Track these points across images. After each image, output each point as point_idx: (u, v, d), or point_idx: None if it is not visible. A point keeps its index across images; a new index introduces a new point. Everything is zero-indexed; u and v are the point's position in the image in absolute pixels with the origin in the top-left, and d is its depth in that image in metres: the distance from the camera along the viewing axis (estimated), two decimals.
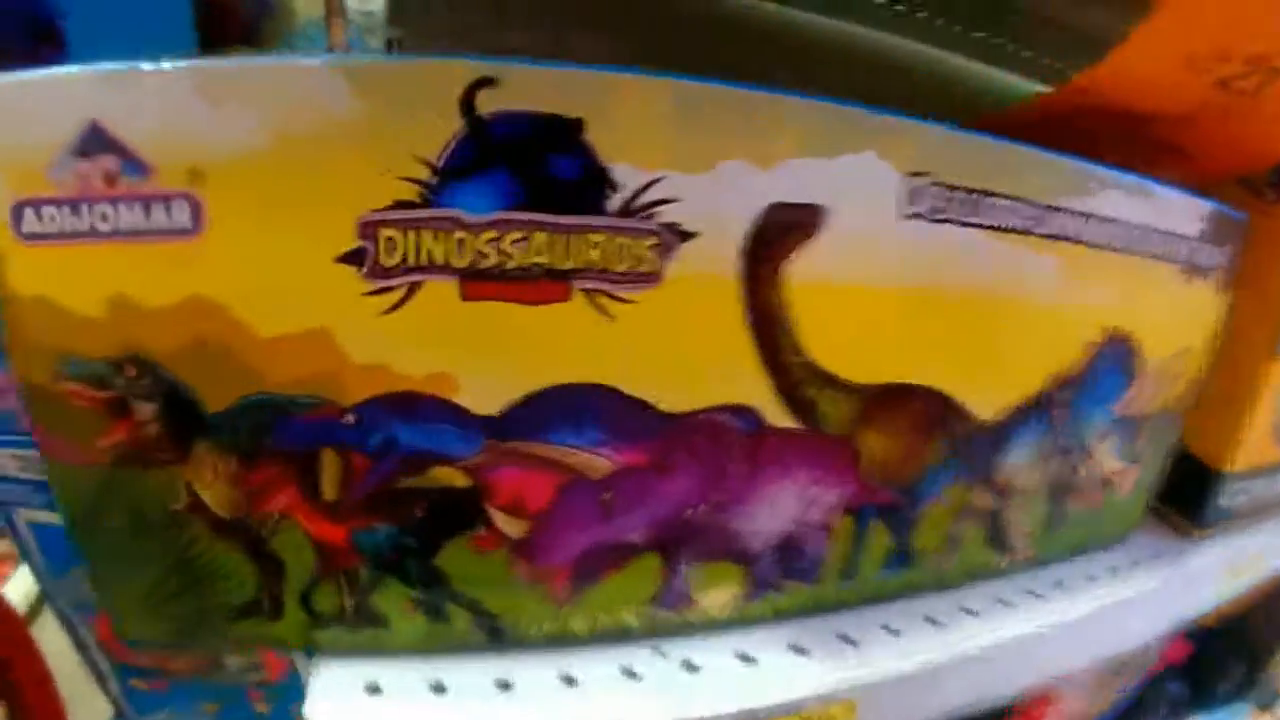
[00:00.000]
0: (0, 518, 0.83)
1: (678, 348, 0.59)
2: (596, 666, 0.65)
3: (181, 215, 0.51)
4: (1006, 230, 0.69)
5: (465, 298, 0.54)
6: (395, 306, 0.53)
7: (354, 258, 0.52)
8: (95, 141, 0.51)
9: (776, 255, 0.61)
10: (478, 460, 0.58)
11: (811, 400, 0.65)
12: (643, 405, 0.59)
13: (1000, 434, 0.78)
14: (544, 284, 0.56)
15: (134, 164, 0.52)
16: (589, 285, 0.56)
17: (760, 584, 0.71)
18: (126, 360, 0.53)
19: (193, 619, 0.63)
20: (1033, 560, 0.89)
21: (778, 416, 0.64)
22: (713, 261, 0.59)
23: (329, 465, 0.58)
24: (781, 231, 0.60)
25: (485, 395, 0.56)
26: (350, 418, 0.56)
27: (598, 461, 0.60)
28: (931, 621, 0.79)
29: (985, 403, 0.75)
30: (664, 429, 0.60)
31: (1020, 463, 0.81)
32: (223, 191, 0.51)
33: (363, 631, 0.64)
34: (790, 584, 0.72)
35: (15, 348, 0.55)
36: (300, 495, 0.58)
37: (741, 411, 0.62)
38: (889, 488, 0.72)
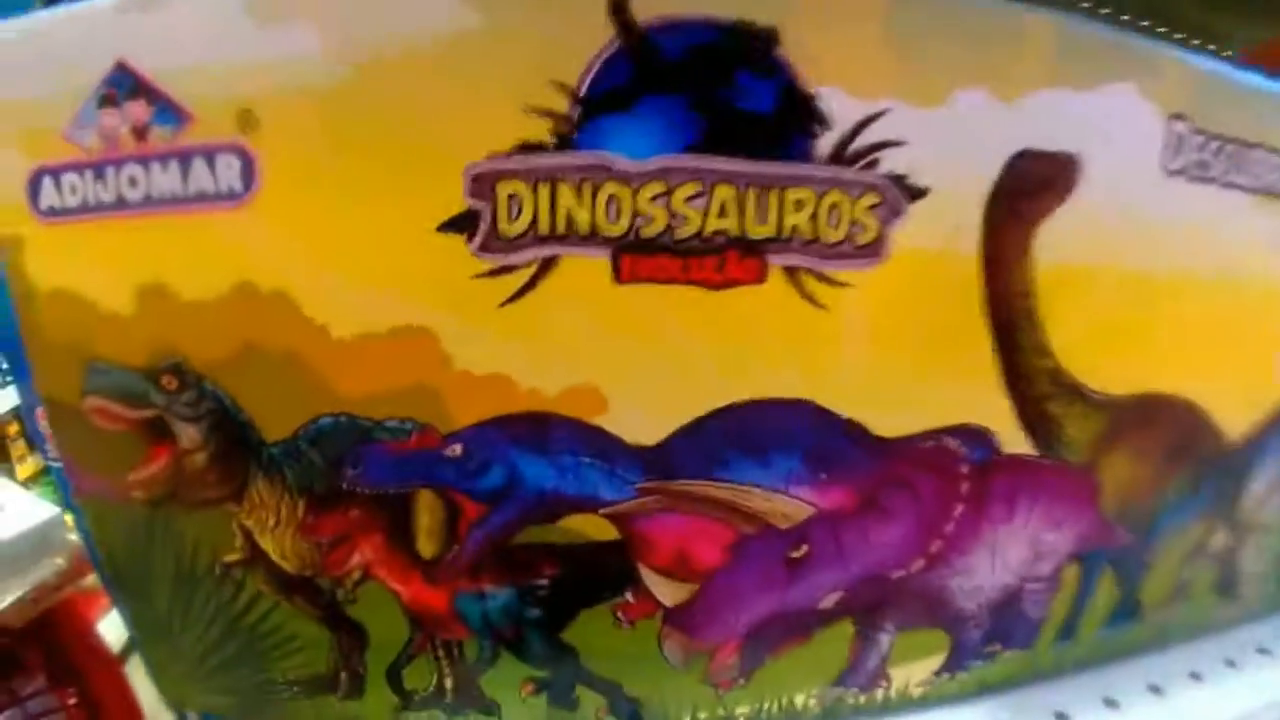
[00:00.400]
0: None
1: (902, 348, 0.42)
2: None
3: (228, 173, 0.36)
4: (1274, 195, 0.53)
5: (620, 279, 0.37)
6: (520, 293, 0.37)
7: (462, 225, 0.36)
8: (121, 84, 0.37)
9: (1027, 220, 0.44)
10: (630, 506, 0.41)
11: (1056, 419, 0.47)
12: (853, 428, 0.42)
13: (1247, 456, 0.59)
14: (730, 259, 0.38)
15: (168, 110, 0.37)
16: (792, 261, 0.38)
17: (966, 653, 0.54)
18: (164, 370, 0.40)
19: (253, 692, 0.49)
20: (1258, 611, 0.72)
21: (1014, 440, 0.46)
22: (948, 229, 0.41)
23: (426, 511, 0.42)
24: (1032, 189, 0.43)
25: (643, 418, 0.40)
26: (455, 448, 0.39)
27: (789, 506, 0.42)
28: (1156, 691, 0.63)
29: (1236, 417, 0.56)
30: (877, 460, 0.43)
31: (1263, 491, 0.64)
32: (280, 140, 0.36)
33: (465, 717, 0.49)
34: (1001, 651, 0.57)
35: (35, 354, 0.41)
36: (388, 549, 0.42)
37: (973, 436, 0.45)
38: (1127, 525, 0.56)
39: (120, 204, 0.37)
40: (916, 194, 0.39)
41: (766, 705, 0.51)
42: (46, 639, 0.56)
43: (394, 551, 0.42)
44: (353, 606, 0.44)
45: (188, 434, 0.40)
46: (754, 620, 0.46)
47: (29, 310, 0.39)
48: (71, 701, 0.56)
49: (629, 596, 0.44)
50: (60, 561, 0.51)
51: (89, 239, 0.38)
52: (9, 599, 0.48)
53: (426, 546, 0.42)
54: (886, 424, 0.42)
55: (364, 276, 0.36)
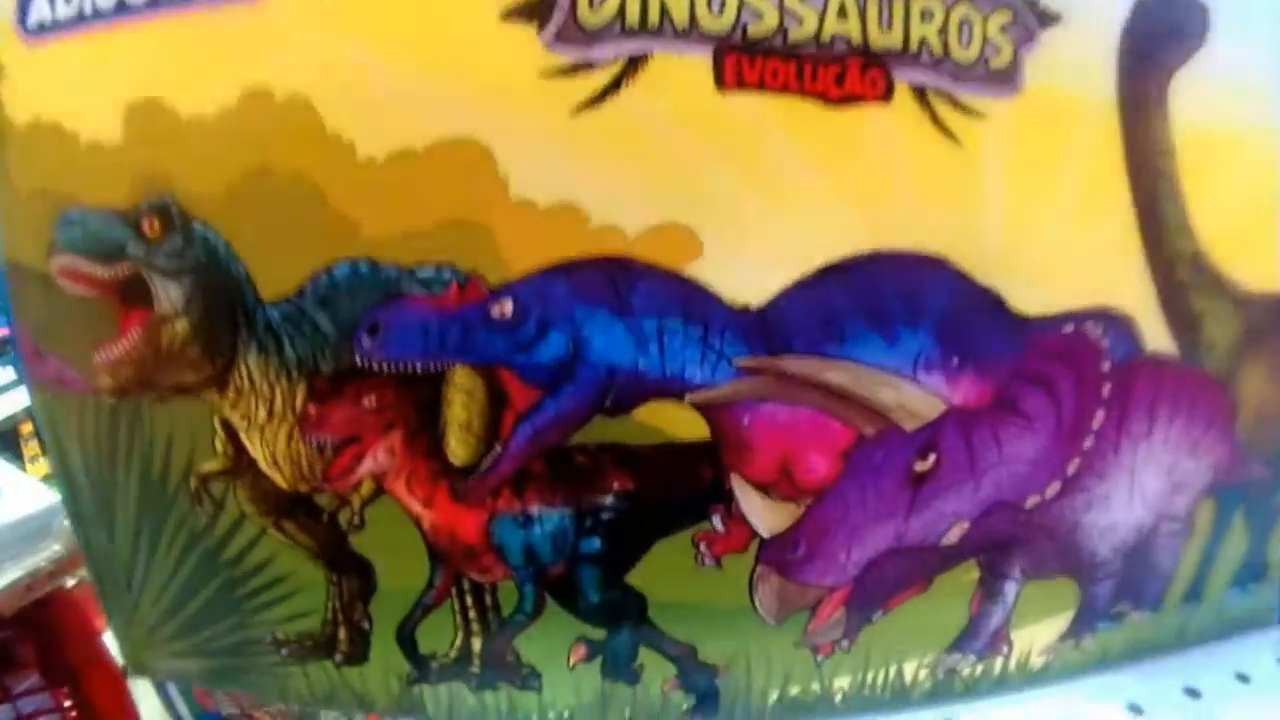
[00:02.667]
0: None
1: (1041, 204, 0.33)
2: None
3: None
4: None
5: (723, 85, 0.28)
6: (599, 98, 0.28)
7: (533, 10, 0.28)
8: None
9: (1160, 65, 0.37)
10: (727, 391, 0.31)
11: (1198, 314, 0.38)
12: (990, 300, 0.32)
13: None
14: (852, 69, 0.29)
15: None
16: (920, 79, 0.30)
17: (1095, 612, 0.43)
18: (148, 210, 0.30)
19: (230, 654, 0.37)
20: None
21: (1156, 335, 0.37)
22: (1083, 67, 0.33)
23: (461, 397, 0.31)
24: (1161, 32, 0.37)
25: (746, 268, 0.30)
26: (505, 305, 0.29)
27: (918, 398, 0.32)
28: None
29: None
30: (1015, 344, 0.33)
31: None
32: None
33: (496, 692, 0.37)
34: (1128, 612, 0.48)
35: (2, 208, 0.32)
36: (408, 451, 0.32)
37: (1116, 325, 0.35)
38: (1261, 457, 0.47)
39: (121, 8, 0.29)
40: (1048, 19, 0.32)
41: (870, 677, 0.40)
42: (43, 635, 0.51)
43: (416, 455, 0.31)
44: (359, 536, 0.33)
45: (167, 295, 0.30)
46: (867, 559, 0.35)
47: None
48: (66, 704, 0.52)
49: (717, 523, 0.34)
50: (58, 548, 0.46)
51: (78, 57, 0.30)
52: (1, 584, 0.43)
53: (459, 447, 0.31)
54: (1025, 298, 0.33)
55: (405, 76, 0.27)
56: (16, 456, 1.01)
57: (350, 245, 0.29)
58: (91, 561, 0.37)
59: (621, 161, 0.28)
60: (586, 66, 0.28)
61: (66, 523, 0.43)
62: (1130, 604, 0.44)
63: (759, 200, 0.30)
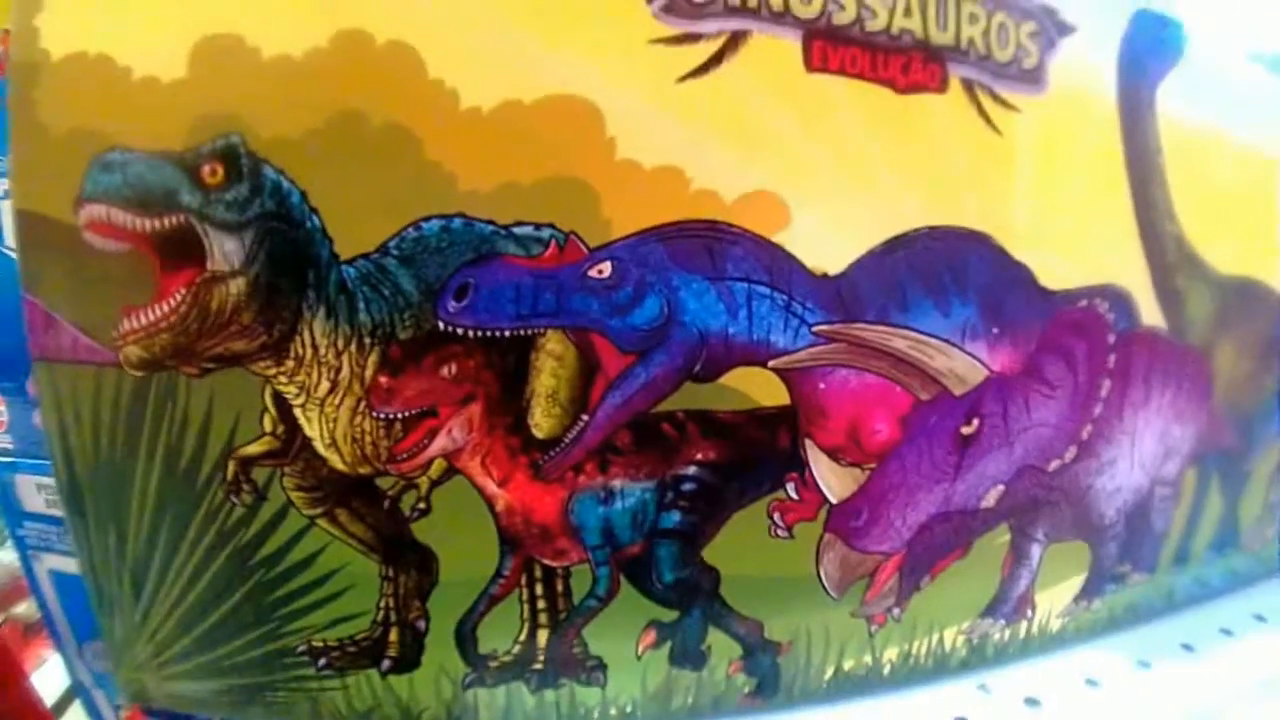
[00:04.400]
0: (21, 566, 0.50)
1: (1063, 189, 0.36)
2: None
3: None
4: None
5: (810, 66, 0.30)
6: (704, 68, 0.29)
7: None
8: None
9: (1149, 73, 0.43)
10: (804, 356, 0.31)
11: (1181, 292, 0.42)
12: (1023, 274, 0.35)
13: None
14: (916, 61, 0.32)
15: None
16: (969, 74, 0.33)
17: (1101, 574, 0.45)
18: (210, 154, 0.26)
19: (254, 671, 0.32)
20: None
21: (1150, 311, 0.41)
22: (1093, 72, 0.37)
23: (550, 364, 0.29)
24: (1148, 45, 0.41)
25: (827, 237, 0.31)
26: (604, 267, 0.28)
27: (965, 365, 0.34)
28: (1261, 620, 0.59)
29: None
30: (1042, 315, 0.36)
31: None
32: None
33: (558, 690, 0.34)
34: (1130, 573, 0.49)
35: (22, 151, 0.27)
36: (488, 426, 0.29)
37: (1118, 299, 0.39)
38: (1233, 426, 0.51)
39: None
40: (1066, 29, 0.36)
41: (916, 646, 0.40)
42: None
43: (496, 430, 0.29)
44: (422, 523, 0.30)
45: (223, 251, 0.27)
46: (920, 523, 0.36)
47: (28, 88, 0.26)
48: None
49: (792, 491, 0.34)
50: None
51: None
52: None
53: (544, 419, 0.29)
54: (1050, 272, 0.36)
55: (517, 28, 0.26)
56: None
57: (444, 199, 0.27)
58: (92, 567, 0.31)
59: (721, 129, 0.29)
60: (692, 38, 0.28)
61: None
62: (1131, 566, 0.48)
63: (839, 175, 0.31)
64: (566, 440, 0.30)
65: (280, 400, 0.29)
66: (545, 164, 0.28)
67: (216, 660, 0.33)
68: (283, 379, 0.28)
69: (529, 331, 0.29)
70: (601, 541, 0.32)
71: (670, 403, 0.31)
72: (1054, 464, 0.40)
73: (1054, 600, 0.44)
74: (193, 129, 0.26)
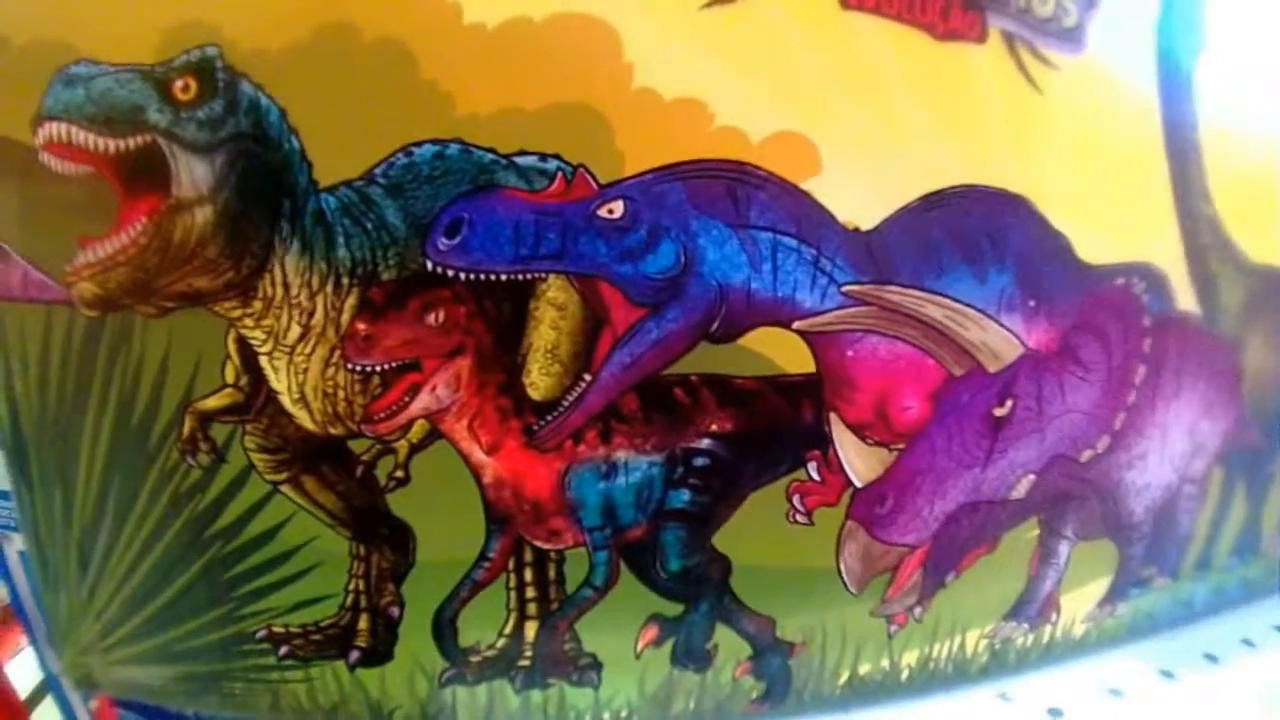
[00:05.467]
0: None
1: (1101, 157, 0.33)
2: None
3: None
4: None
5: (846, 3, 0.27)
6: None
7: None
8: None
9: (1191, 44, 0.40)
10: (832, 318, 0.27)
11: (1215, 277, 0.39)
12: (1061, 244, 0.32)
13: None
14: (955, 6, 0.28)
15: None
16: (1008, 26, 0.30)
17: (1128, 576, 0.42)
18: (183, 66, 0.23)
19: (211, 656, 0.28)
20: None
21: (1185, 294, 0.38)
22: (1133, 36, 0.34)
23: (550, 315, 0.26)
24: (1184, 25, 0.40)
25: (860, 187, 0.28)
26: (615, 206, 0.25)
27: (1000, 339, 0.31)
28: None
29: None
30: (1078, 290, 0.33)
31: None
32: None
33: (545, 691, 0.30)
34: (1154, 578, 0.45)
35: None
36: (478, 384, 0.26)
37: (1154, 280, 0.36)
38: (1260, 425, 0.47)
39: None
40: None
41: (936, 650, 0.36)
42: None
43: (486, 388, 0.25)
44: (399, 495, 0.26)
45: (191, 175, 0.23)
46: (947, 512, 0.33)
47: None
48: None
49: (813, 471, 0.30)
50: None
51: None
52: None
53: (542, 377, 0.26)
54: (1087, 244, 0.33)
55: None
56: None
57: (440, 123, 0.24)
58: (34, 536, 0.27)
59: (750, 63, 0.26)
60: None
61: None
62: (1157, 570, 0.45)
63: (873, 122, 0.28)
64: (566, 403, 0.27)
65: (245, 347, 0.25)
66: (554, 88, 0.24)
67: (168, 644, 0.29)
68: (249, 322, 0.25)
69: (528, 276, 0.26)
70: (602, 522, 0.28)
71: (683, 365, 0.28)
72: (1086, 454, 0.37)
73: (1078, 604, 0.41)
74: (163, 40, 0.23)
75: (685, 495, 0.29)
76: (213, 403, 0.26)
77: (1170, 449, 0.41)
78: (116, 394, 0.26)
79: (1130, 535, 0.42)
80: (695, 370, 0.28)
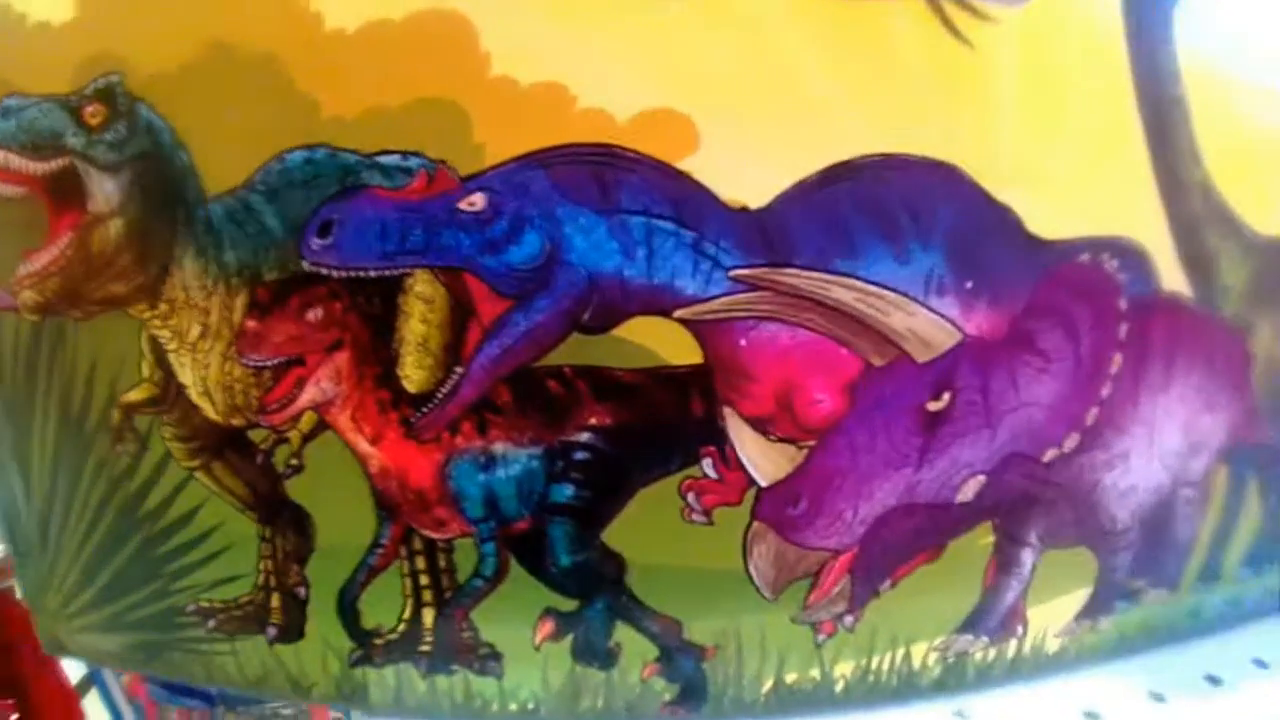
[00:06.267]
0: None
1: (1055, 121, 0.29)
2: None
3: None
4: None
5: None
6: None
7: None
8: None
9: None
10: (722, 305, 0.26)
11: (1212, 253, 0.34)
12: (1005, 217, 0.28)
13: None
14: None
15: None
16: None
17: (1111, 588, 0.37)
18: (92, 95, 0.26)
19: (152, 628, 0.31)
20: None
21: (1172, 274, 0.33)
22: None
23: (419, 309, 0.26)
24: None
25: (747, 164, 0.26)
26: (476, 199, 0.25)
27: (930, 326, 0.28)
28: None
29: None
30: (1031, 268, 0.30)
31: None
32: None
33: (450, 677, 0.30)
34: (1146, 590, 0.42)
35: None
36: (357, 377, 0.26)
37: (1130, 256, 0.32)
38: (1274, 415, 0.42)
39: None
40: None
41: (875, 661, 0.34)
42: None
43: (365, 381, 0.26)
44: (296, 481, 0.27)
45: (103, 192, 0.26)
46: (875, 517, 0.31)
47: None
48: (13, 717, 0.46)
49: (708, 468, 0.29)
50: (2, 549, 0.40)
51: None
52: None
53: (415, 370, 0.26)
54: (1040, 217, 0.29)
55: None
56: None
57: (309, 128, 0.24)
58: (5, 519, 0.31)
59: (614, 37, 0.24)
60: None
61: None
62: (1148, 581, 0.40)
63: (762, 88, 0.26)
64: (440, 395, 0.27)
65: (157, 345, 0.28)
66: (414, 85, 0.24)
67: (118, 614, 0.31)
68: (157, 322, 0.27)
69: (397, 272, 0.26)
70: (485, 514, 0.28)
71: (559, 356, 0.27)
72: (1050, 453, 0.33)
73: (1051, 617, 0.37)
74: (78, 71, 0.26)
75: (568, 490, 0.28)
76: (134, 396, 0.29)
77: (1160, 447, 0.36)
78: (57, 390, 0.29)
79: (1112, 543, 0.37)
80: (573, 362, 0.27)
